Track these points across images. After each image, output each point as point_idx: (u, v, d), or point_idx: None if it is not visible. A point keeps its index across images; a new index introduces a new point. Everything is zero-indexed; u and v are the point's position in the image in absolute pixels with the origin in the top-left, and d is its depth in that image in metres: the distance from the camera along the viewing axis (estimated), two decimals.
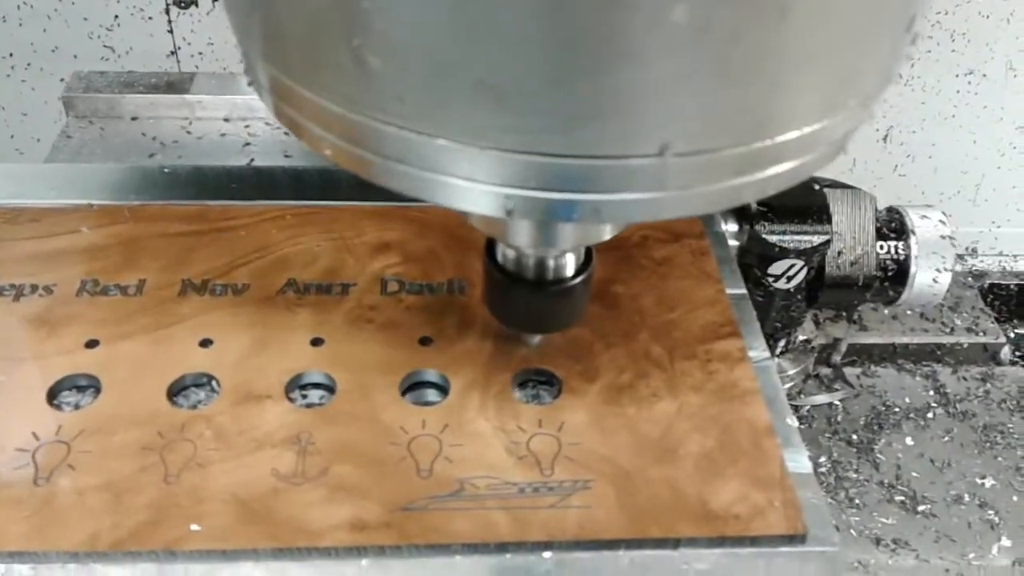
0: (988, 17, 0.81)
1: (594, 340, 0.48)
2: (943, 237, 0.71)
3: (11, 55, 0.74)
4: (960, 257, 0.97)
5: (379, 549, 0.38)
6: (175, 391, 0.44)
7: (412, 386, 0.45)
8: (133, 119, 0.67)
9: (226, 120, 0.67)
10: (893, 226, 0.72)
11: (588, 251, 0.44)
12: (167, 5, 0.72)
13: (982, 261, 0.96)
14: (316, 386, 0.45)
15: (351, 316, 0.48)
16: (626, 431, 0.43)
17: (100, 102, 0.66)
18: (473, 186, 0.32)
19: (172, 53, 0.75)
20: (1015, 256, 0.97)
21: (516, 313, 0.45)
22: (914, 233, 0.71)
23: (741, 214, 0.70)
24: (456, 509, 0.39)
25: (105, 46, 0.75)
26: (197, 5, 0.72)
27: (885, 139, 0.88)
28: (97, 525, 0.38)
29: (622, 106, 0.29)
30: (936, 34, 0.81)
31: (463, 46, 0.28)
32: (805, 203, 0.69)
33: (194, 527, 0.38)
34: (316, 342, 0.46)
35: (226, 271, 0.50)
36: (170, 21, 0.73)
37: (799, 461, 0.43)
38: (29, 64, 0.75)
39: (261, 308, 0.48)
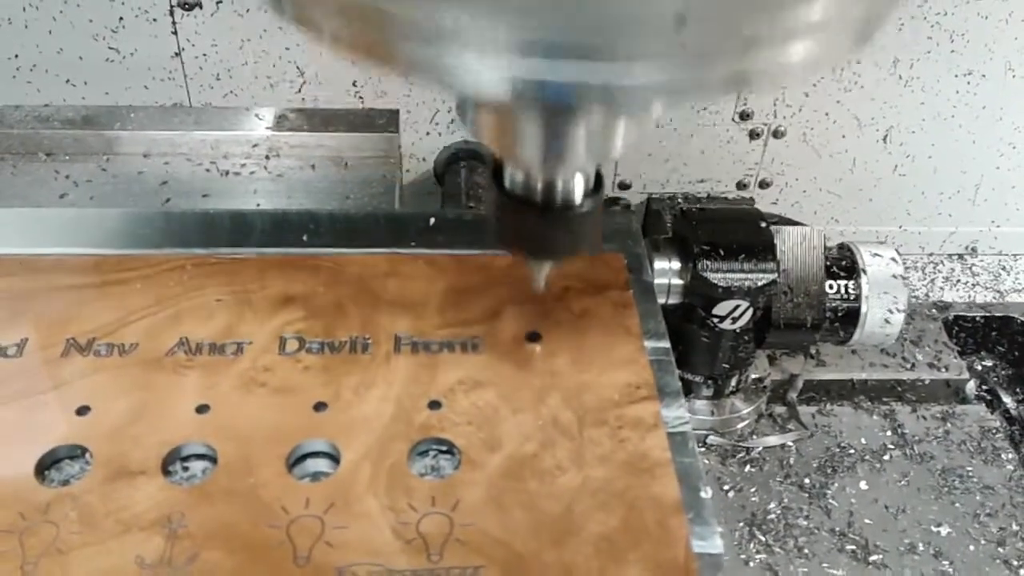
0: (987, 18, 0.81)
1: (501, 405, 0.45)
2: (895, 276, 0.69)
3: (16, 56, 0.73)
4: (960, 256, 0.96)
5: None
6: (46, 464, 0.41)
7: (301, 459, 0.43)
8: (48, 156, 0.64)
9: (145, 156, 0.64)
10: (843, 264, 0.69)
11: (598, 176, 0.43)
12: (171, 7, 0.72)
13: (981, 260, 0.96)
14: (198, 457, 0.42)
15: (243, 379, 0.45)
16: (525, 509, 0.40)
17: (14, 139, 0.64)
18: (479, 61, 0.30)
19: (176, 55, 0.74)
20: (1015, 256, 0.96)
21: (523, 237, 0.44)
22: (865, 272, 0.69)
23: (684, 252, 0.67)
24: None
25: (110, 47, 0.74)
26: (201, 7, 0.72)
27: (885, 139, 0.88)
28: None
29: None
30: (935, 34, 0.81)
31: None
32: (750, 241, 0.66)
33: None
34: (201, 409, 0.44)
35: (114, 329, 0.47)
36: (174, 23, 0.73)
37: (709, 540, 0.40)
38: (35, 66, 0.74)
39: (147, 371, 0.45)
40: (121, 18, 0.73)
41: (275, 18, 0.36)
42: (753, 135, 0.87)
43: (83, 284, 0.50)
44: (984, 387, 0.84)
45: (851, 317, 0.69)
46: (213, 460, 0.42)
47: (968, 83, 0.85)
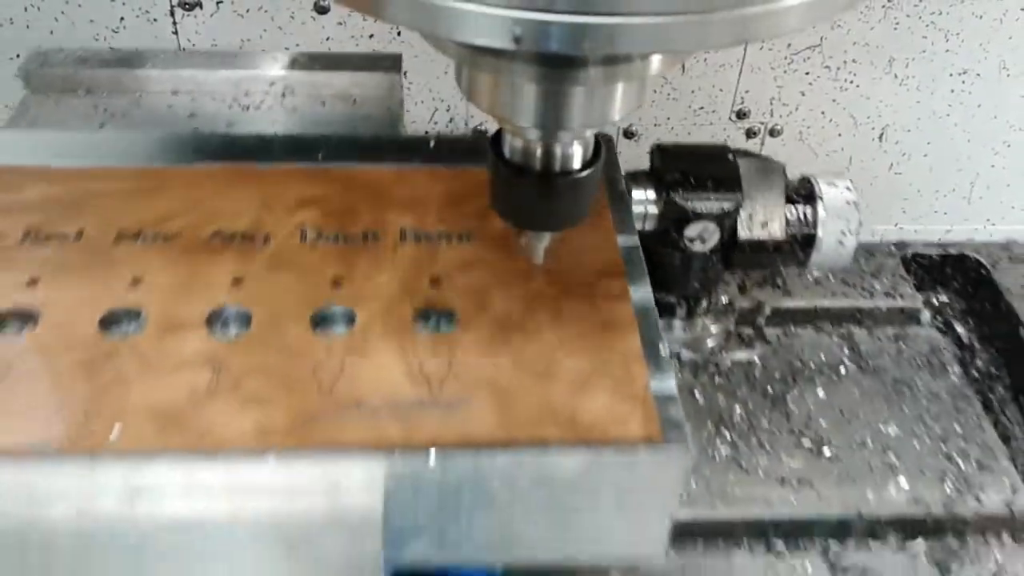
0: (981, 17, 0.82)
1: (492, 281, 0.53)
2: (849, 203, 0.76)
3: (17, 56, 0.75)
4: None
5: (282, 452, 0.43)
6: (107, 323, 0.49)
7: (322, 320, 0.50)
8: (87, 92, 0.71)
9: (174, 93, 0.72)
10: (802, 193, 0.77)
11: (597, 142, 0.43)
12: (172, 7, 0.75)
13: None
14: (235, 320, 0.50)
15: (271, 261, 0.53)
16: (511, 357, 0.48)
17: (56, 77, 0.71)
18: (481, 9, 0.31)
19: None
20: None
21: (522, 208, 0.45)
22: (821, 199, 0.76)
23: (659, 184, 0.75)
24: (353, 419, 0.44)
25: (111, 48, 0.76)
26: (201, 7, 0.75)
27: (880, 138, 0.89)
28: (31, 429, 0.43)
29: None
30: (930, 34, 0.83)
31: None
32: (718, 172, 0.74)
33: (116, 433, 0.43)
34: (237, 282, 0.51)
35: (159, 222, 0.55)
36: (175, 23, 0.75)
37: (666, 384, 0.48)
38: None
39: (189, 253, 0.53)
40: (122, 18, 0.74)
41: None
42: (750, 134, 0.89)
43: (128, 189, 0.57)
44: (939, 318, 0.92)
45: (809, 239, 0.76)
46: (248, 322, 0.50)
47: (963, 82, 0.86)
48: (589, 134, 0.43)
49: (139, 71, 0.72)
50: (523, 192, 0.44)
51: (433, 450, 0.43)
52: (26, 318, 0.49)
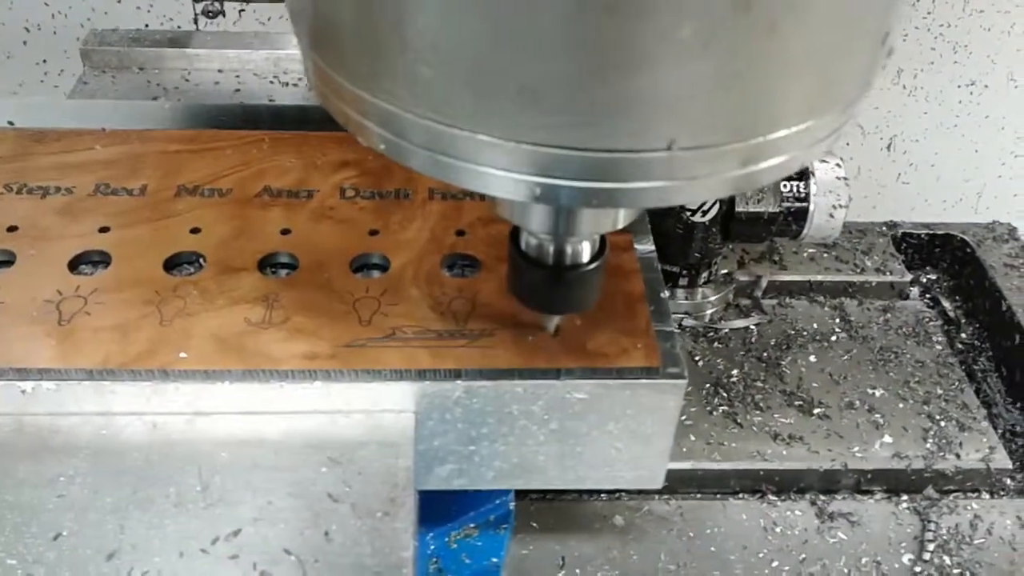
0: (989, 30, 0.84)
1: None
2: (839, 178, 0.82)
3: (45, 61, 0.79)
4: None
5: (326, 373, 0.49)
6: (170, 265, 0.55)
7: (361, 266, 0.56)
8: (140, 69, 0.78)
9: (220, 71, 0.78)
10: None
11: (603, 240, 0.48)
12: (195, 15, 0.78)
13: None
14: (283, 265, 0.56)
15: (314, 214, 0.59)
16: None
17: (112, 55, 0.78)
18: (507, 175, 0.36)
19: None
20: None
21: (536, 295, 0.49)
22: (813, 175, 0.82)
23: None
24: (388, 347, 0.50)
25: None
26: (224, 15, 0.78)
27: (888, 148, 0.92)
28: (107, 352, 0.49)
29: (636, 107, 0.33)
30: (939, 46, 0.85)
31: (504, 58, 0.33)
32: None
33: (182, 355, 0.49)
34: (285, 231, 0.58)
35: (213, 179, 0.61)
36: (198, 30, 0.79)
37: (666, 323, 0.54)
38: (62, 70, 0.80)
39: (241, 207, 0.59)
40: (147, 25, 0.78)
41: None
42: None
43: (185, 150, 0.64)
44: (927, 295, 0.97)
45: (802, 213, 0.82)
46: (294, 267, 0.56)
47: (971, 93, 0.88)
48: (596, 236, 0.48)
49: (188, 50, 0.78)
50: (537, 281, 0.48)
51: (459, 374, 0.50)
52: (99, 260, 0.55)
